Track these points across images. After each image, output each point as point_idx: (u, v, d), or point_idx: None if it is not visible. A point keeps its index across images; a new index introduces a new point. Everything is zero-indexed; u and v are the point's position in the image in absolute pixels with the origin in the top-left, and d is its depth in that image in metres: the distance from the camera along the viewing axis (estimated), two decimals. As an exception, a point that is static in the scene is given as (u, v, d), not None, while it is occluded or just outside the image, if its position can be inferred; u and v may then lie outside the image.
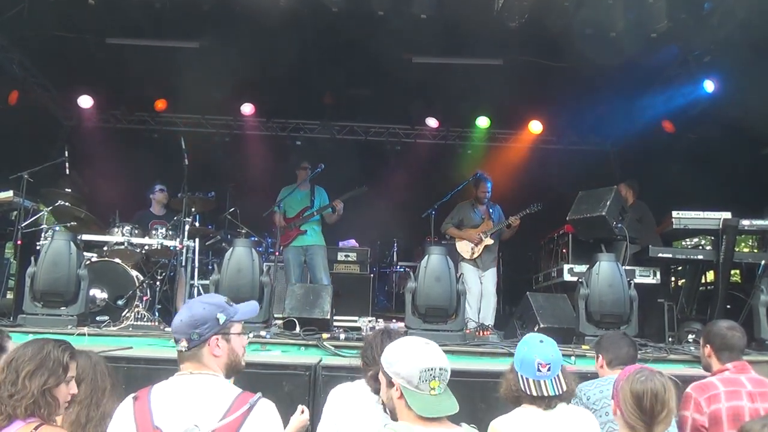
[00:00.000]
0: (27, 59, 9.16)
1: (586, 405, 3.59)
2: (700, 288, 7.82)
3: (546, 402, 3.01)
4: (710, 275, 7.78)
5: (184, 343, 2.51)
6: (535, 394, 3.01)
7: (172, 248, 7.31)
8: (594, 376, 3.93)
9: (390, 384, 2.66)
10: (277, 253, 8.40)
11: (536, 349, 3.09)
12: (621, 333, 4.12)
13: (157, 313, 6.94)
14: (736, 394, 3.60)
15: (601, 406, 3.53)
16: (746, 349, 4.81)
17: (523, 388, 3.04)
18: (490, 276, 8.36)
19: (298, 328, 5.81)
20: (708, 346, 3.97)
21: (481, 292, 8.19)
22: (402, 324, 5.90)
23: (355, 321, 7.23)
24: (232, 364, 2.60)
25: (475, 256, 8.24)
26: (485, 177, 8.43)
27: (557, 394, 3.01)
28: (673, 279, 8.22)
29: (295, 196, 8.48)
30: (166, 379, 2.51)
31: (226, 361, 2.57)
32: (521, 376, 3.07)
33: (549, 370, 3.03)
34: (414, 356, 2.62)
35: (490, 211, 8.46)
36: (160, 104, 10.59)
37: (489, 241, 8.23)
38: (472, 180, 8.46)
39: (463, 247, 8.29)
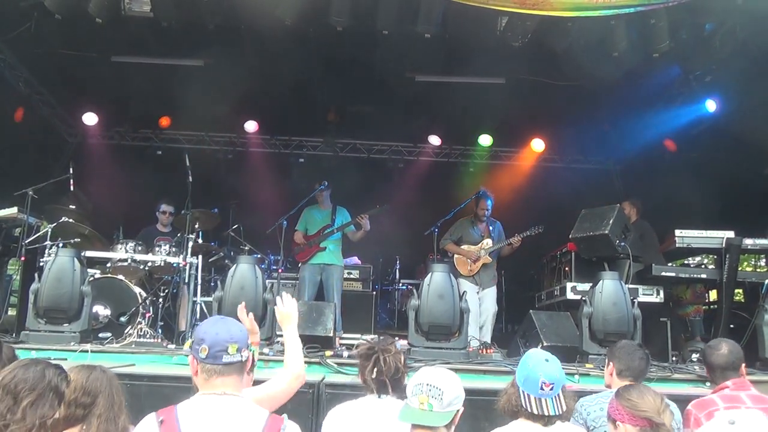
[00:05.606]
0: (33, 77, 9.22)
1: (585, 421, 3.58)
2: (704, 307, 7.79)
3: (545, 420, 3.00)
4: (713, 294, 7.77)
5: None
6: (536, 411, 2.99)
7: (175, 265, 7.31)
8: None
9: None
10: (281, 270, 8.40)
11: (541, 367, 3.07)
12: (636, 343, 4.08)
13: (159, 330, 6.93)
14: None
15: (600, 424, 3.50)
16: (750, 368, 4.82)
17: (524, 405, 3.02)
18: (490, 295, 8.30)
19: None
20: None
21: (479, 311, 8.08)
22: (405, 342, 5.88)
23: (358, 339, 7.20)
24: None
25: (473, 273, 8.21)
26: (487, 195, 8.37)
27: (557, 413, 3.00)
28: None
29: (317, 215, 8.52)
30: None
31: (243, 383, 2.58)
32: (523, 392, 3.04)
33: (552, 389, 3.02)
34: (416, 375, 2.78)
35: (490, 228, 8.40)
36: (164, 121, 10.66)
37: (487, 259, 8.20)
38: (474, 197, 8.42)
39: (461, 263, 8.25)
